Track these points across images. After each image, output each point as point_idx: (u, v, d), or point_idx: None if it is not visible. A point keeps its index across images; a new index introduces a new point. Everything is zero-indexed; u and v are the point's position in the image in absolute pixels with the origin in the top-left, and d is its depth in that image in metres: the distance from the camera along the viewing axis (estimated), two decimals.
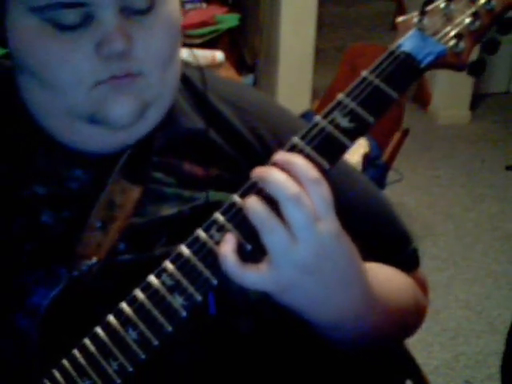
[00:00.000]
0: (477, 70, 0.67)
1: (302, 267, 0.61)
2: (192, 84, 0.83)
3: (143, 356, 0.64)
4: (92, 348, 0.65)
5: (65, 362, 0.67)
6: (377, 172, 2.50)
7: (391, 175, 2.71)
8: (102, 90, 0.69)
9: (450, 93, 4.13)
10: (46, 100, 0.72)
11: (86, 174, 0.76)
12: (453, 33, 0.66)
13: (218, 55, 2.41)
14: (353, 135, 0.63)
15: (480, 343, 2.43)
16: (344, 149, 0.63)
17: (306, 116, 2.98)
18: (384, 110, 0.64)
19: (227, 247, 0.61)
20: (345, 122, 0.63)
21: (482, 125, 4.18)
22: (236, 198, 0.63)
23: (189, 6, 3.10)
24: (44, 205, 0.75)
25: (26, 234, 0.74)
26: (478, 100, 4.32)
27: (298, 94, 3.58)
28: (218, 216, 0.63)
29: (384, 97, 0.64)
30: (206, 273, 0.63)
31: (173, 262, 0.64)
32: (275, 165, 0.62)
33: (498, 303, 2.64)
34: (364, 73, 0.65)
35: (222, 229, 0.63)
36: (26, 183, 0.75)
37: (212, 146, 0.79)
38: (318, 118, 0.64)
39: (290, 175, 0.61)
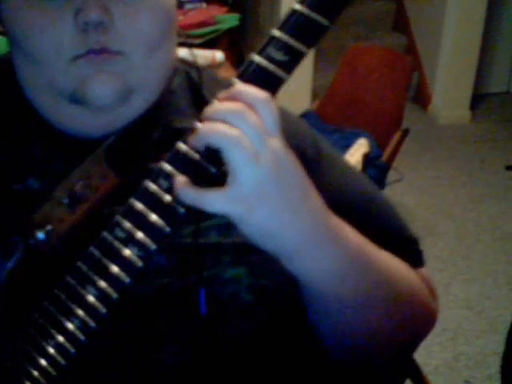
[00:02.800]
0: None
1: (264, 180, 0.61)
2: (193, 83, 0.83)
3: (104, 311, 0.64)
4: (52, 309, 0.66)
5: (27, 327, 0.67)
6: (377, 172, 2.51)
7: (391, 175, 2.72)
8: (80, 65, 0.69)
9: (450, 93, 4.13)
10: (32, 75, 0.73)
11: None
12: None
13: (218, 55, 2.41)
14: (288, 67, 0.64)
15: (480, 343, 2.43)
16: (281, 82, 0.64)
17: (306, 116, 2.98)
18: (316, 38, 0.64)
19: (180, 179, 0.62)
20: (280, 56, 0.64)
21: (482, 125, 4.19)
22: (180, 145, 0.63)
23: (189, 5, 3.10)
24: (37, 200, 0.74)
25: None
26: (478, 100, 4.32)
27: (297, 93, 3.58)
28: (164, 165, 0.63)
29: (315, 26, 0.64)
30: (158, 221, 0.63)
31: (124, 215, 0.64)
32: (222, 100, 0.62)
33: (497, 303, 2.64)
34: (295, 6, 0.65)
35: (169, 176, 0.63)
36: (21, 176, 0.74)
37: None
38: (253, 55, 0.65)
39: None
